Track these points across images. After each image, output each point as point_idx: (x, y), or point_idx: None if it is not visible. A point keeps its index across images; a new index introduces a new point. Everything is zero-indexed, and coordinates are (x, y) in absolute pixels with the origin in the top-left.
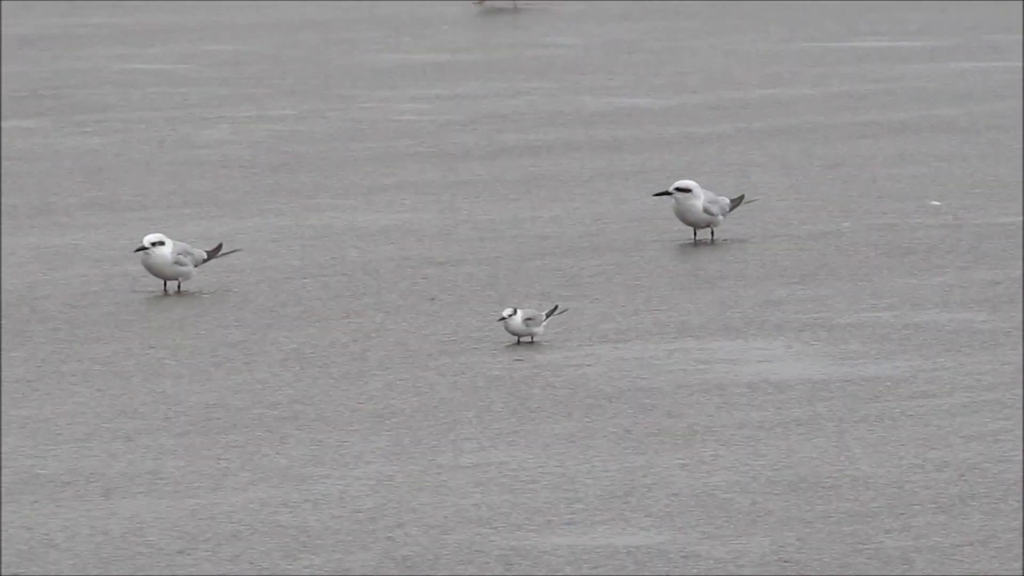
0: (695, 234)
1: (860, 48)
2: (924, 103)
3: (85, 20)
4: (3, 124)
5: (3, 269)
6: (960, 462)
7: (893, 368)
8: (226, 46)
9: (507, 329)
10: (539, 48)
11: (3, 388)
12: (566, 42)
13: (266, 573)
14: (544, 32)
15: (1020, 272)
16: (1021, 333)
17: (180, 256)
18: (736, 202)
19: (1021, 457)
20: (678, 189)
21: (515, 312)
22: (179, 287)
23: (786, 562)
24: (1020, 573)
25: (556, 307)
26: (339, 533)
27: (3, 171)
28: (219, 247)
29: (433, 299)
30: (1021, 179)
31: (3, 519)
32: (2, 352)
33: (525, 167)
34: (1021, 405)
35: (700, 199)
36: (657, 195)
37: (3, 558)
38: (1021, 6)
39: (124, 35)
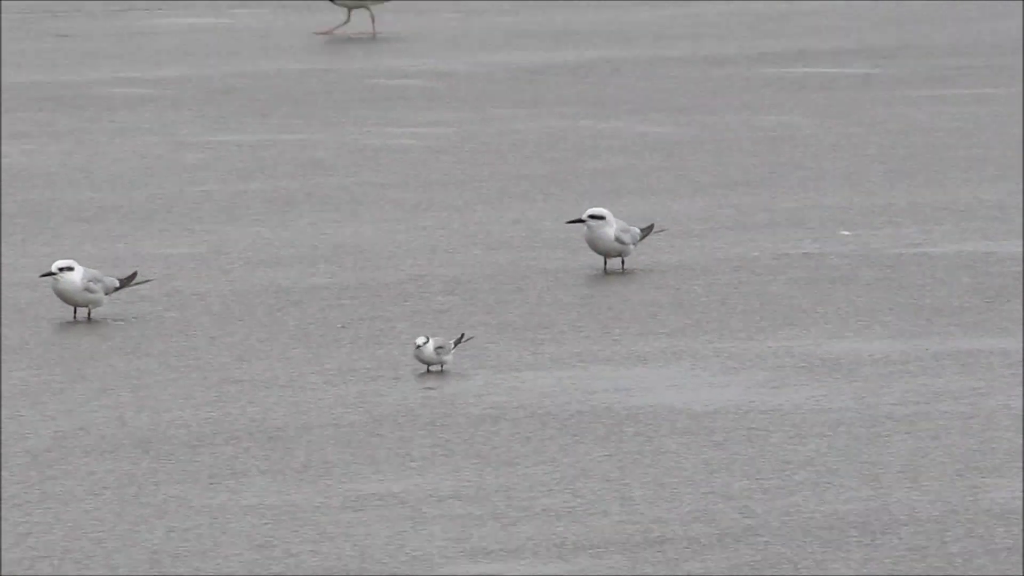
0: (605, 263)
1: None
2: (835, 130)
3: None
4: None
5: None
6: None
7: (794, 397)
8: None
9: (419, 358)
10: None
11: None
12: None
13: None
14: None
15: (931, 301)
16: (926, 362)
17: (90, 283)
18: (646, 231)
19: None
20: (591, 216)
21: (427, 340)
22: (89, 314)
23: None
24: None
25: (463, 335)
26: (230, 559)
27: None
28: (133, 275)
29: (344, 326)
30: (929, 202)
31: None
32: None
33: (428, 188)
34: None
35: (613, 227)
36: (570, 222)
37: None
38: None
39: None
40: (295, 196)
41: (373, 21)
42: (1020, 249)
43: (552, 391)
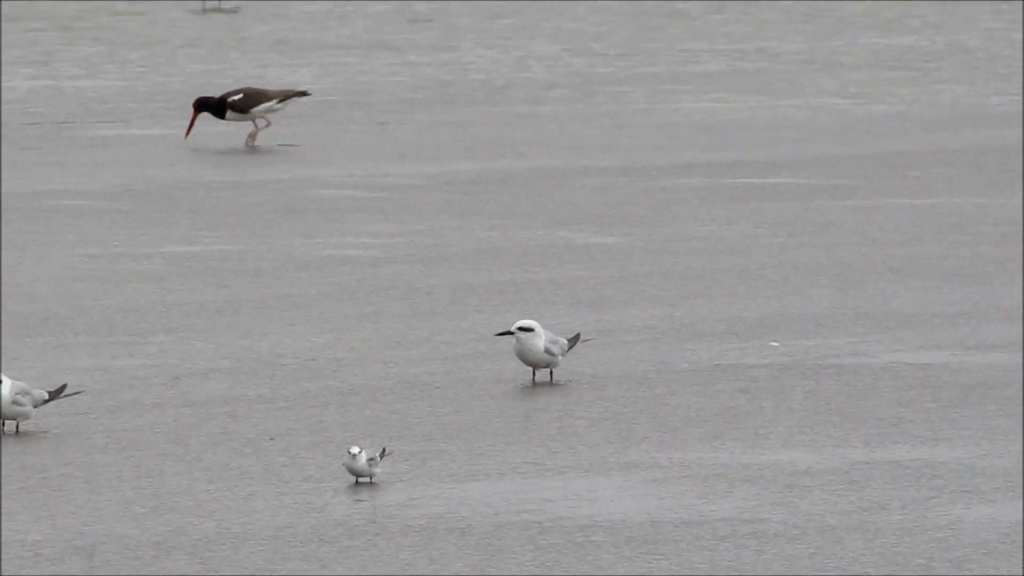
0: (534, 374)
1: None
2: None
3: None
4: None
5: None
6: None
7: (720, 510)
8: None
9: (350, 469)
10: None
11: None
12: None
13: None
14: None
15: (856, 410)
16: (855, 473)
17: (18, 396)
18: (573, 341)
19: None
20: (520, 328)
21: (361, 451)
22: (16, 427)
23: None
24: None
25: (384, 449)
26: None
27: None
28: (63, 387)
29: (272, 439)
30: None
31: None
32: None
33: (368, 298)
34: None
35: (542, 339)
36: (499, 335)
37: None
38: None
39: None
40: (233, 306)
41: (255, 133)
42: (954, 358)
43: (478, 502)
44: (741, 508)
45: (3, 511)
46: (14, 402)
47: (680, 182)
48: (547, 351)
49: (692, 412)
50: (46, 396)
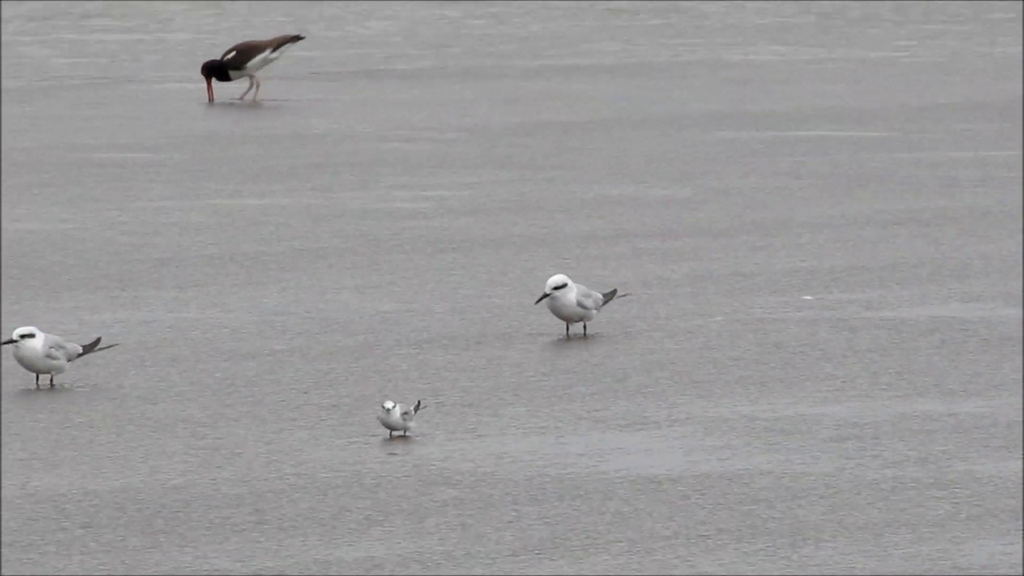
0: (568, 328)
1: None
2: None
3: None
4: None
5: None
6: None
7: (762, 462)
8: None
9: (384, 423)
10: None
11: None
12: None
13: None
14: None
15: (896, 367)
16: (890, 426)
17: (52, 349)
18: (609, 296)
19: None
20: (555, 288)
21: (395, 406)
22: (51, 381)
23: None
24: None
25: (419, 402)
26: None
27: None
28: (97, 341)
29: (307, 392)
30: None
31: None
32: None
33: (390, 255)
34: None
35: (574, 292)
36: (538, 302)
37: None
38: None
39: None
40: (276, 259)
41: (256, 88)
42: (988, 313)
43: (511, 457)
44: (778, 462)
45: (57, 461)
46: (48, 355)
47: (723, 135)
48: (580, 304)
49: (726, 366)
50: (80, 350)
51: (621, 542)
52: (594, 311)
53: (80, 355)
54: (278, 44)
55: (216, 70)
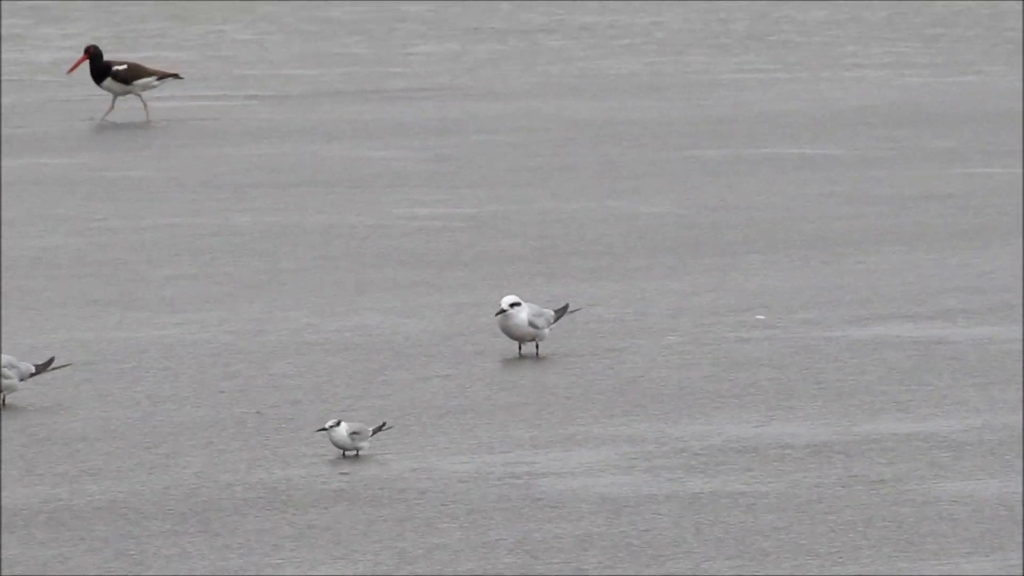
0: (520, 348)
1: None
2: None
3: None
4: None
5: None
6: None
7: (710, 484)
8: None
9: (332, 441)
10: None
11: None
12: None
13: None
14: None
15: (849, 385)
16: (846, 446)
17: (5, 369)
18: (560, 312)
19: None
20: (512, 305)
21: (339, 423)
22: (3, 401)
23: None
24: None
25: (383, 424)
26: None
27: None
28: (50, 360)
29: (259, 413)
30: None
31: None
32: None
33: (336, 277)
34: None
35: (525, 312)
36: (499, 314)
37: None
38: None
39: None
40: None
41: (145, 107)
42: (942, 333)
43: (463, 475)
44: (731, 482)
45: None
46: (2, 375)
47: (711, 153)
48: (531, 324)
49: (678, 386)
50: (32, 369)
51: (585, 564)
52: (546, 331)
53: (33, 374)
54: (162, 76)
55: (98, 67)
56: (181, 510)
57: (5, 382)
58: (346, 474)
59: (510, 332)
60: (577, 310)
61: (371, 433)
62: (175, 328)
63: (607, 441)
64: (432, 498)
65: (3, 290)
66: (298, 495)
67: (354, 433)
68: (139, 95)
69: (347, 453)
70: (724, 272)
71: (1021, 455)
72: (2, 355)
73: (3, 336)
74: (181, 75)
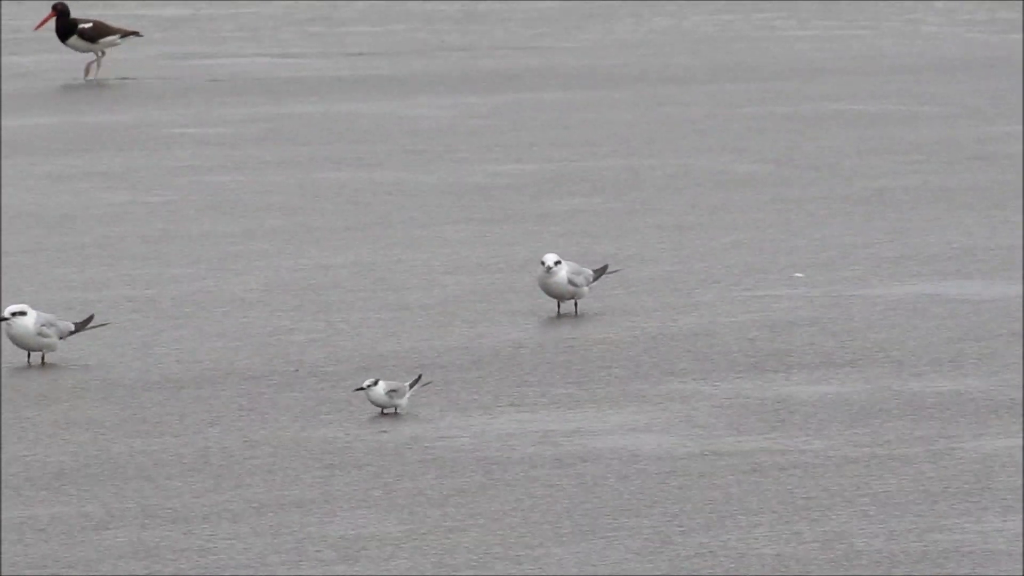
0: (559, 307)
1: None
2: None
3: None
4: None
5: None
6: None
7: (758, 441)
8: None
9: (370, 399)
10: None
11: None
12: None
13: None
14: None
15: (891, 344)
16: (884, 405)
17: (43, 327)
18: (600, 272)
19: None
20: (556, 263)
21: (376, 382)
22: (43, 359)
23: None
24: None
25: (419, 377)
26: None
27: None
28: (90, 318)
29: (296, 370)
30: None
31: None
32: None
33: (377, 233)
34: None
35: (564, 270)
36: (547, 270)
37: None
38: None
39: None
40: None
41: (98, 66)
42: (977, 293)
43: (507, 434)
44: (767, 439)
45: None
46: (39, 333)
47: (759, 109)
48: (571, 282)
49: (716, 347)
50: (72, 327)
51: (627, 524)
52: (585, 288)
53: (72, 332)
54: (124, 33)
55: (64, 25)
56: (217, 463)
57: (44, 340)
58: (386, 432)
59: (550, 290)
60: (617, 270)
61: (408, 389)
62: (215, 280)
63: (642, 400)
64: (467, 457)
65: (38, 245)
66: (341, 452)
67: (392, 391)
68: (100, 53)
69: (385, 411)
70: (777, 227)
71: None
72: (41, 313)
73: (45, 292)
74: (141, 33)
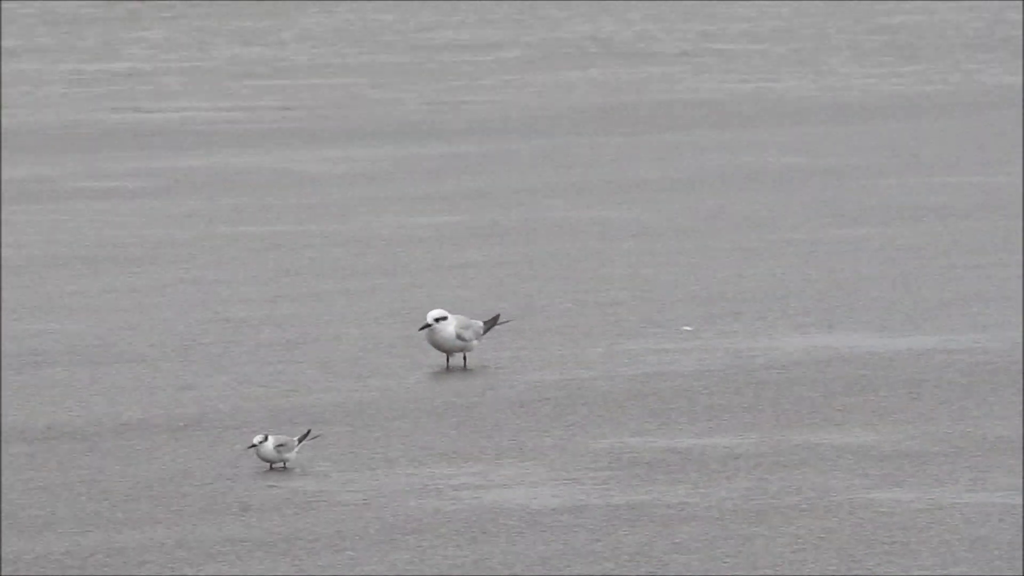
0: (448, 360)
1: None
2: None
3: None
4: None
5: None
6: None
7: (643, 495)
8: None
9: (259, 456)
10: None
11: None
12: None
13: None
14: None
15: (775, 398)
16: (771, 456)
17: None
18: (490, 323)
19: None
20: (436, 320)
21: (266, 438)
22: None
23: None
24: None
25: (308, 432)
26: None
27: None
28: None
29: (184, 425)
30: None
31: None
32: None
33: (272, 286)
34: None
35: (452, 325)
36: (421, 329)
37: None
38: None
39: None
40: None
41: None
42: (862, 344)
43: (395, 490)
44: (648, 493)
45: None
46: None
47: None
48: (459, 336)
49: (605, 399)
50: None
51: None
52: (474, 342)
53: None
54: None
55: None
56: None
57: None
58: (274, 486)
59: (438, 345)
60: (508, 321)
61: (297, 443)
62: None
63: (532, 453)
64: (353, 511)
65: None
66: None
67: (280, 445)
68: None
69: (274, 466)
70: (643, 279)
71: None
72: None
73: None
74: None
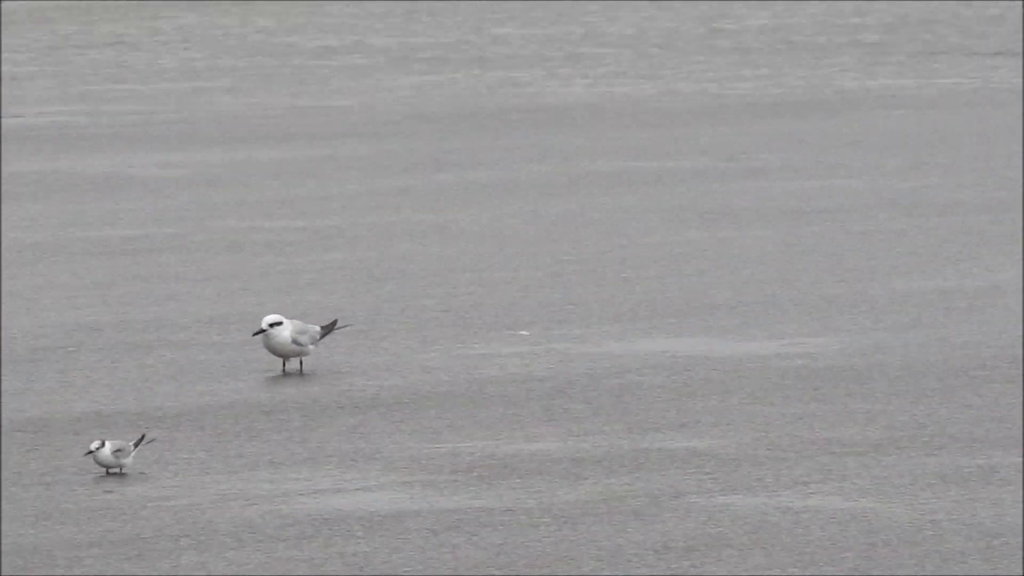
0: (284, 365)
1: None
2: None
3: None
4: None
5: None
6: None
7: (484, 500)
8: None
9: (96, 461)
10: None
11: None
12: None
13: None
14: None
15: (616, 403)
16: (608, 461)
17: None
18: (328, 328)
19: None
20: (271, 325)
21: (103, 444)
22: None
23: None
24: None
25: (143, 436)
26: None
27: None
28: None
29: (23, 429)
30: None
31: None
32: None
33: (115, 289)
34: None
35: (288, 330)
36: (256, 334)
37: None
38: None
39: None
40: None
41: None
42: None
43: (231, 496)
44: (493, 498)
45: None
46: None
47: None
48: (295, 341)
49: (448, 402)
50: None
51: None
52: (311, 347)
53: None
54: None
55: None
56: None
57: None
58: (111, 492)
59: (272, 350)
60: (347, 326)
61: (133, 448)
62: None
63: (364, 457)
64: (189, 515)
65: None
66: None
67: (117, 451)
68: None
69: (111, 471)
70: (483, 287)
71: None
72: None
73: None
74: None
